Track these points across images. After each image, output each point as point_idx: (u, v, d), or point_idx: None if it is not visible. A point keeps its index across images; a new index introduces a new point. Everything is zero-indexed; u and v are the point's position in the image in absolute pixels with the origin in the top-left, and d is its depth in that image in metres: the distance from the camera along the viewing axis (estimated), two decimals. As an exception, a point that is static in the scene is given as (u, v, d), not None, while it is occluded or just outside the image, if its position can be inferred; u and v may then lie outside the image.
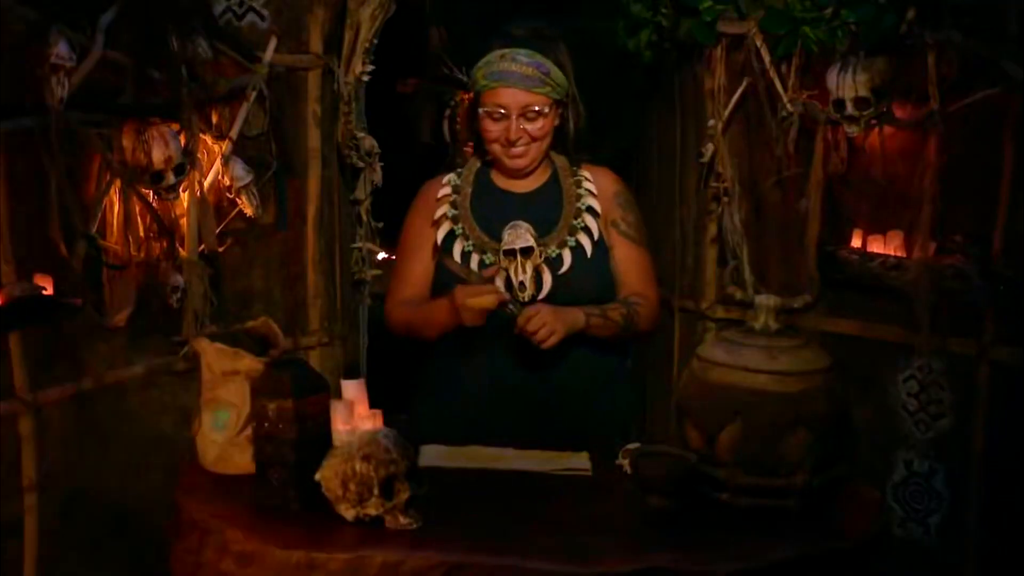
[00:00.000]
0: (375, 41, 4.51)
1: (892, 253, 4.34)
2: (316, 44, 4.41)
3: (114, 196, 3.86)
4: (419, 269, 4.05)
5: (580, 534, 3.20)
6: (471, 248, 3.97)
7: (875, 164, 4.38)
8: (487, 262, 3.95)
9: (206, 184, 4.10)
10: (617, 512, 3.34)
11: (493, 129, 3.89)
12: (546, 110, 3.88)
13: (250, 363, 3.38)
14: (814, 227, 4.48)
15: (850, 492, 3.43)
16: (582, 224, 4.00)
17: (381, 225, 4.67)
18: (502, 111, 3.88)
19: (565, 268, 3.93)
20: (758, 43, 4.50)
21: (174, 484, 3.47)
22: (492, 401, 3.90)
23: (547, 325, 3.80)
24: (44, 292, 3.63)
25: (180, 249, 4.04)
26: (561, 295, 3.91)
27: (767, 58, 4.48)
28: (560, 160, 4.03)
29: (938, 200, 4.19)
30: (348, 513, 3.09)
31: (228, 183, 4.20)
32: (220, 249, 4.18)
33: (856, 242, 4.44)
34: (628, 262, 4.03)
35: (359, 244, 4.67)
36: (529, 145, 3.91)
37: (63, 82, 3.62)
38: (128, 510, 4.02)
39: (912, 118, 4.22)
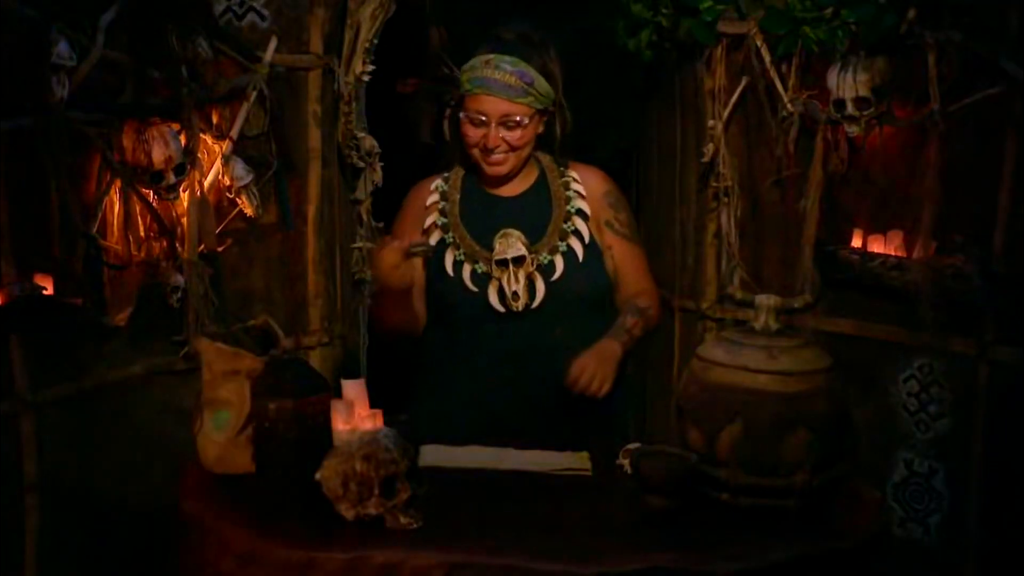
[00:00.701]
0: (375, 41, 4.50)
1: (892, 253, 4.34)
2: (316, 44, 4.40)
3: (114, 196, 3.86)
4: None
5: (580, 534, 3.20)
6: (463, 257, 3.97)
7: (875, 164, 4.37)
8: (479, 271, 3.95)
9: (206, 184, 4.10)
10: (617, 512, 3.34)
11: (472, 135, 3.91)
12: (526, 120, 3.88)
13: (250, 363, 3.38)
14: (812, 227, 4.48)
15: (850, 492, 3.43)
16: (572, 228, 4.00)
17: (381, 225, 4.67)
18: (482, 118, 3.89)
19: (558, 275, 3.94)
20: (758, 43, 4.49)
21: (174, 484, 3.47)
22: (491, 401, 3.91)
23: (596, 376, 3.86)
24: (44, 292, 3.63)
25: (180, 249, 4.04)
26: (554, 302, 3.91)
27: (767, 58, 4.48)
28: (546, 160, 4.03)
29: (938, 200, 4.19)
30: (348, 513, 3.09)
31: (228, 183, 4.20)
32: (220, 249, 4.18)
33: (856, 242, 4.44)
34: (626, 260, 4.05)
35: (359, 244, 4.66)
36: (508, 154, 3.92)
37: (63, 82, 3.62)
38: (128, 510, 4.02)
39: (912, 118, 4.22)
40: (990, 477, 4.30)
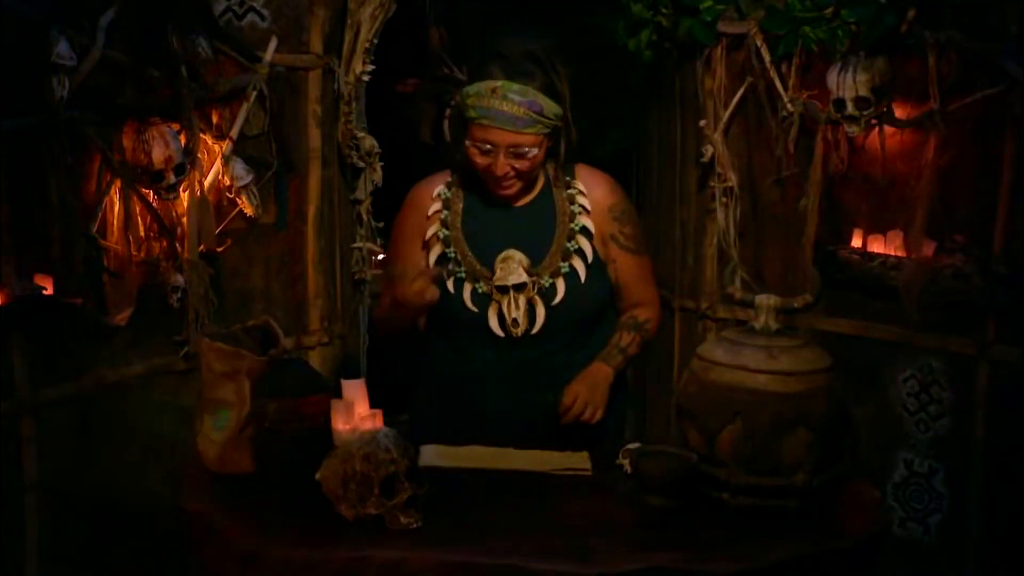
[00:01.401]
0: (375, 41, 4.51)
1: (892, 253, 4.34)
2: (316, 44, 4.41)
3: (114, 196, 3.86)
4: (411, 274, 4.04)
5: (580, 534, 3.20)
6: (463, 275, 3.94)
7: (875, 164, 4.38)
8: (480, 291, 3.91)
9: (206, 184, 4.10)
10: (617, 512, 3.34)
11: (480, 161, 3.82)
12: (535, 150, 3.81)
13: (250, 363, 3.38)
14: (812, 227, 4.48)
15: (850, 492, 3.43)
16: (575, 247, 3.95)
17: (381, 225, 4.67)
18: (489, 147, 3.81)
19: (559, 298, 3.90)
20: (758, 43, 4.49)
21: (174, 484, 3.47)
22: (492, 402, 3.90)
23: (589, 404, 3.83)
24: (44, 292, 3.63)
25: (180, 249, 4.04)
26: (554, 324, 3.89)
27: (767, 58, 4.48)
28: (552, 169, 3.96)
29: (938, 200, 4.19)
30: (348, 513, 3.09)
31: (228, 183, 4.20)
32: (220, 249, 4.18)
33: (856, 242, 4.44)
34: (629, 272, 4.00)
35: (359, 244, 4.66)
36: (515, 179, 3.85)
37: (63, 82, 3.62)
38: (128, 510, 4.02)
39: (912, 118, 4.22)
40: (990, 477, 4.31)
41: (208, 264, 4.13)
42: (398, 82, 6.70)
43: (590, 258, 3.95)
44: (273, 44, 4.28)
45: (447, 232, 3.97)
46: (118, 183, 3.82)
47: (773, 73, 4.49)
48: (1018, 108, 4.00)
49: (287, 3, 4.33)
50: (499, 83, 3.77)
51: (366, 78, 4.55)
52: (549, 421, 3.85)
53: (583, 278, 3.93)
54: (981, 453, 4.28)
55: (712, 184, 4.67)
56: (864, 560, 3.25)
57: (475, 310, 3.91)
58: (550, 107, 3.78)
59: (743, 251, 4.69)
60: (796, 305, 4.49)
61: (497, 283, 3.88)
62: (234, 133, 4.18)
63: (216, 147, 4.18)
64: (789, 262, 4.63)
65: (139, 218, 3.95)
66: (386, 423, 3.24)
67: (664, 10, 4.70)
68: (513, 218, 3.95)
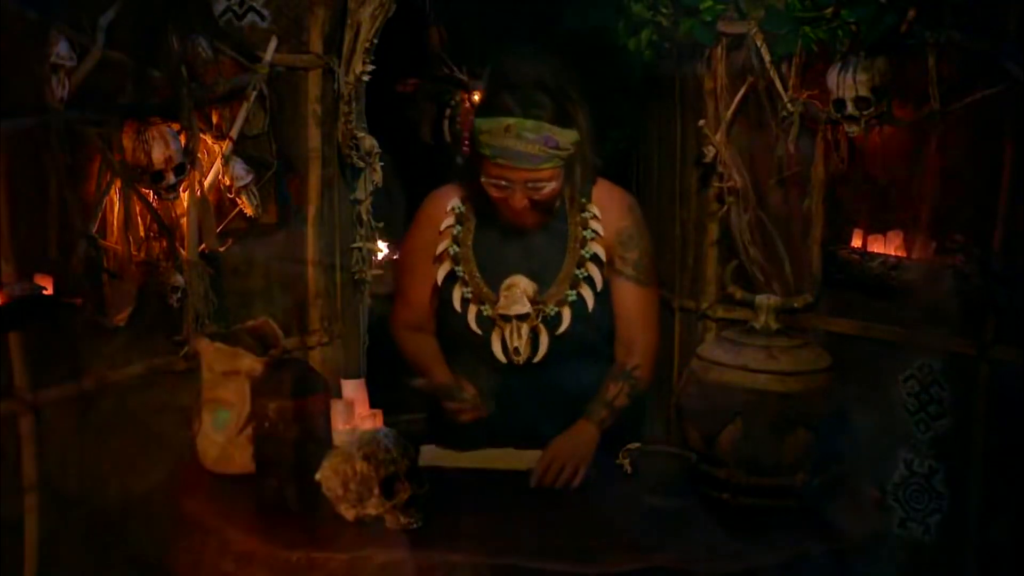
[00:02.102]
0: (375, 41, 4.50)
1: (892, 253, 4.34)
2: (316, 44, 4.40)
3: (114, 196, 3.86)
4: (421, 290, 4.03)
5: (580, 534, 3.20)
6: (469, 296, 3.92)
7: (875, 164, 4.38)
8: (485, 313, 3.90)
9: (206, 184, 4.10)
10: (617, 512, 3.34)
11: (497, 195, 3.79)
12: (552, 183, 3.77)
13: (250, 363, 3.38)
14: (817, 227, 4.48)
15: (850, 492, 3.43)
16: (584, 274, 3.92)
17: (381, 225, 4.67)
18: (504, 183, 3.78)
19: (564, 328, 3.87)
20: (758, 43, 4.49)
21: (174, 484, 3.47)
22: (496, 423, 3.88)
23: (566, 466, 3.67)
24: (44, 292, 3.63)
25: (180, 249, 4.04)
26: (559, 352, 3.85)
27: (767, 58, 4.48)
28: (568, 191, 3.91)
29: (938, 200, 4.19)
30: (348, 513, 3.09)
31: (228, 183, 4.20)
32: (220, 249, 4.18)
33: (856, 242, 4.44)
34: (624, 305, 3.94)
35: (359, 244, 4.66)
36: (533, 209, 3.82)
37: (63, 82, 3.62)
38: (128, 510, 4.02)
39: (912, 118, 4.22)
40: (990, 477, 4.31)
41: (208, 264, 4.13)
42: (398, 82, 6.70)
43: (599, 286, 3.91)
44: (273, 44, 4.28)
45: (458, 249, 3.95)
46: (118, 183, 3.82)
47: (773, 73, 4.49)
48: (1018, 108, 4.00)
49: (287, 3, 4.33)
50: (512, 121, 3.71)
51: (366, 78, 4.55)
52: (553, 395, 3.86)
53: (590, 307, 3.89)
54: (981, 453, 4.29)
55: (718, 184, 4.67)
56: (863, 560, 3.25)
57: (479, 332, 3.89)
58: (565, 138, 3.75)
59: (745, 251, 4.69)
60: (796, 305, 4.49)
61: (500, 311, 3.86)
62: (234, 133, 4.18)
63: (216, 147, 4.18)
64: (790, 262, 4.64)
65: (139, 218, 3.95)
66: (386, 423, 3.24)
67: (664, 10, 4.70)
68: (525, 241, 3.92)
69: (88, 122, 3.78)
